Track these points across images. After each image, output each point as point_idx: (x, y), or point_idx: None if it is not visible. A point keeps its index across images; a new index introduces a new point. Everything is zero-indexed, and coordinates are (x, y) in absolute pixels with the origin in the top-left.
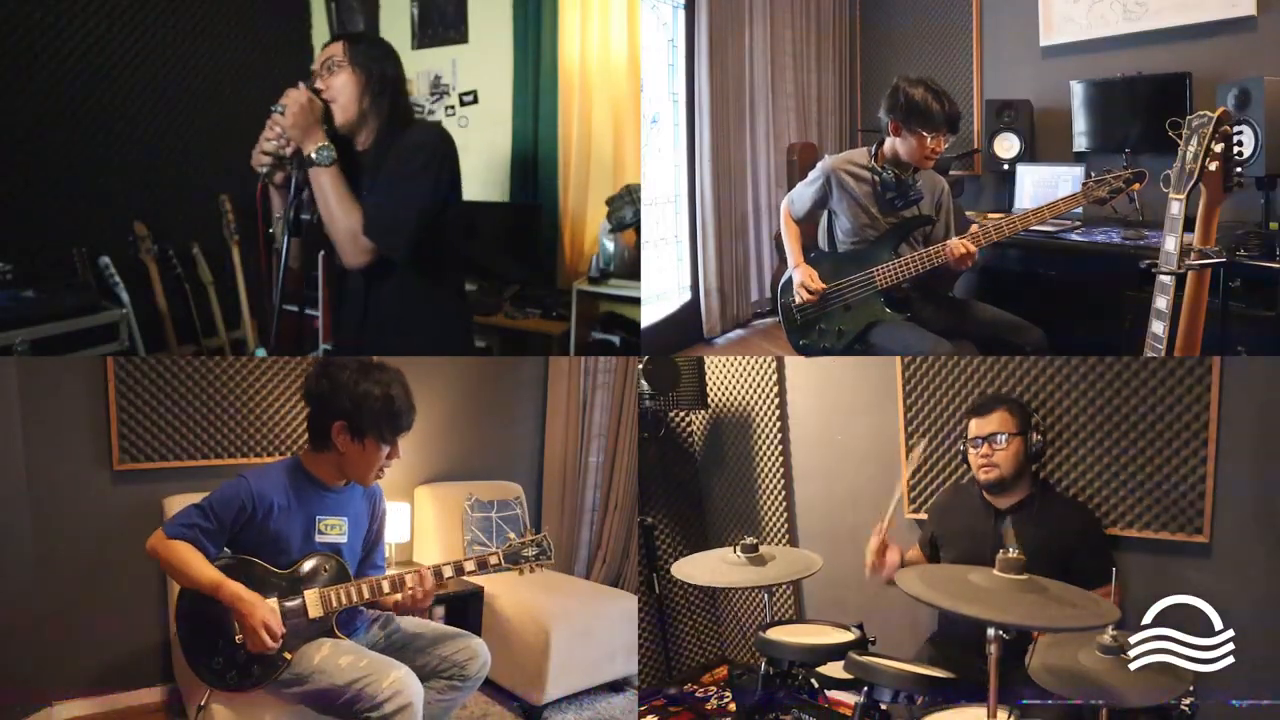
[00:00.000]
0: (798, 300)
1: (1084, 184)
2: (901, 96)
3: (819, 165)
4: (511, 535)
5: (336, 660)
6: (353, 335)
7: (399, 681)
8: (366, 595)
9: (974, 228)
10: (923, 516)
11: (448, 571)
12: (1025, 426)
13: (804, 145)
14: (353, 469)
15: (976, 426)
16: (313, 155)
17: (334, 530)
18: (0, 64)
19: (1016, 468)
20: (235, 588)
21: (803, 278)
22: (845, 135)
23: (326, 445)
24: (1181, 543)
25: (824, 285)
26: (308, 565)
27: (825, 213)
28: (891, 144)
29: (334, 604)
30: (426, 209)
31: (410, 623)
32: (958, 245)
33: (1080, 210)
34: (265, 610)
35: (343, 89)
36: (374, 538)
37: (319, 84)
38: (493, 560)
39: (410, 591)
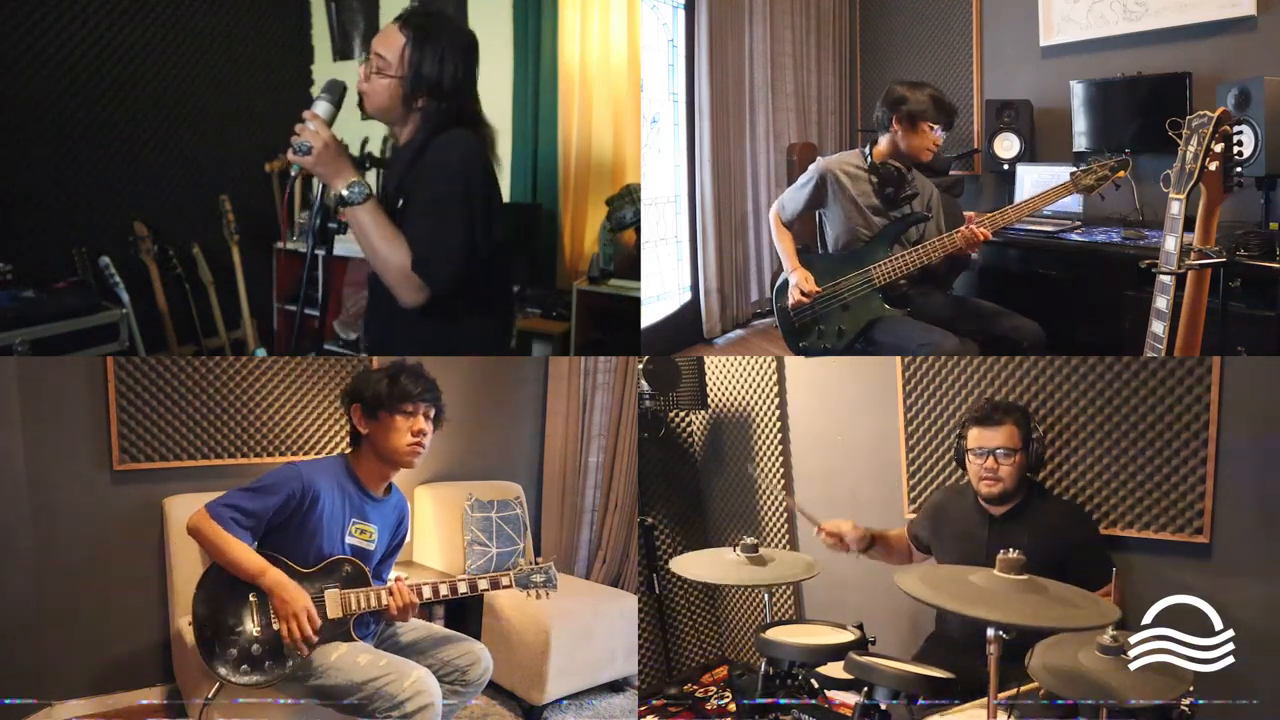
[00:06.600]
0: (792, 301)
1: (1072, 174)
2: (903, 93)
3: (812, 167)
4: (522, 561)
5: (354, 659)
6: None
7: (420, 681)
8: (386, 601)
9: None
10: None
11: (462, 588)
12: (1028, 439)
13: (804, 145)
14: (383, 448)
15: (980, 437)
16: (344, 194)
17: (363, 536)
18: (1, 63)
19: (1018, 480)
20: (278, 575)
21: (799, 280)
22: (845, 135)
23: (357, 436)
24: (1181, 543)
25: (819, 288)
26: (331, 566)
27: (819, 215)
28: (890, 140)
29: (353, 607)
30: (470, 244)
31: (410, 626)
32: (975, 227)
33: (1081, 210)
34: (307, 599)
35: (381, 92)
36: (390, 551)
37: (361, 72)
38: (504, 582)
39: (393, 603)
